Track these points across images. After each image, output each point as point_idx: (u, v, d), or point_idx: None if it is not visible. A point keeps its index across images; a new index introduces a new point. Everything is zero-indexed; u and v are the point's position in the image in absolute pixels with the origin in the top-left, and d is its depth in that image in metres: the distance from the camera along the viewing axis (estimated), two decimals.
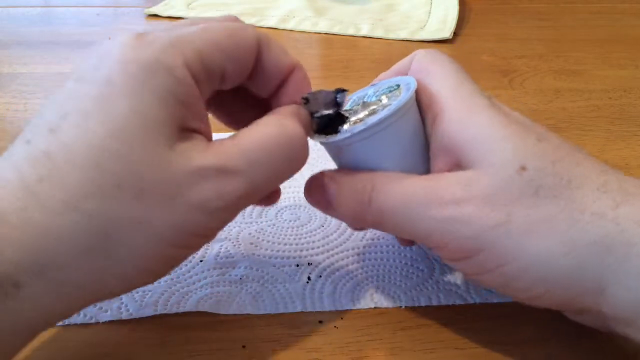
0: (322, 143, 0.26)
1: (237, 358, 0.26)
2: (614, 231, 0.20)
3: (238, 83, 0.24)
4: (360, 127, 0.24)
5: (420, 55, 0.27)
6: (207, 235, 0.22)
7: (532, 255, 0.21)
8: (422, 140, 0.26)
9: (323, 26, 0.67)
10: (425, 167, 0.25)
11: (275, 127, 0.23)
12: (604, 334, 0.26)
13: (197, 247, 0.23)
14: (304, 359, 0.26)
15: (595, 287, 0.21)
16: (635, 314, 0.21)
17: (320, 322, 0.27)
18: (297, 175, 0.37)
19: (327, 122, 0.25)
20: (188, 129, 0.21)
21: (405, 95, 0.24)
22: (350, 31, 0.64)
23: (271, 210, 0.35)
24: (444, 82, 0.25)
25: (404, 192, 0.23)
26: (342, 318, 0.28)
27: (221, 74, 0.22)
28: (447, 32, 0.63)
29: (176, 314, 0.27)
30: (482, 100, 0.24)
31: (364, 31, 0.64)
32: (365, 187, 0.24)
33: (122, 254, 0.19)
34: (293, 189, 0.37)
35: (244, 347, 0.26)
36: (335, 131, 0.25)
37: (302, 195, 0.36)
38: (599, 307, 0.21)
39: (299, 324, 0.27)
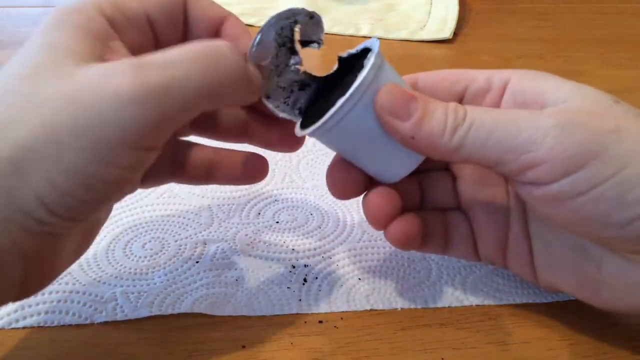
0: (314, 134, 0.24)
1: (237, 358, 0.26)
2: None
3: (175, 37, 0.25)
4: (344, 97, 0.22)
5: (433, 74, 0.27)
6: (133, 143, 0.19)
7: None
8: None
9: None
10: None
11: (204, 41, 0.22)
12: (604, 334, 0.26)
13: (130, 166, 0.20)
14: (304, 359, 0.26)
15: None
16: None
17: (320, 322, 0.27)
18: (294, 176, 0.38)
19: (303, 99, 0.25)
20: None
21: (374, 50, 0.23)
22: (350, 31, 0.64)
23: (268, 211, 0.35)
24: (493, 70, 0.25)
25: (504, 110, 0.23)
26: (342, 318, 0.28)
27: (146, 21, 0.23)
28: (447, 32, 0.63)
29: (176, 314, 0.27)
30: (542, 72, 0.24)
31: (364, 31, 0.64)
32: (458, 107, 0.22)
33: (33, 168, 0.18)
34: (291, 190, 0.37)
35: (244, 347, 0.26)
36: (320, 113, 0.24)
37: (299, 196, 0.36)
38: None
39: (299, 324, 0.27)
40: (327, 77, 0.26)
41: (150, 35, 0.24)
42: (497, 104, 0.25)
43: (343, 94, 0.22)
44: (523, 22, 0.68)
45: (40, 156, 0.18)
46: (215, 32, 0.25)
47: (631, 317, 0.27)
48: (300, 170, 0.39)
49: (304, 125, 0.25)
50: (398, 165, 0.25)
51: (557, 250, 0.25)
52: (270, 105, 0.25)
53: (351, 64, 0.24)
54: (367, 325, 0.27)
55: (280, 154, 0.40)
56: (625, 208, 0.20)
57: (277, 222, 0.34)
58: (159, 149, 0.21)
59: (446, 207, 0.29)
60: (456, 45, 0.62)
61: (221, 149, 0.27)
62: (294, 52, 0.25)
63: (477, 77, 0.26)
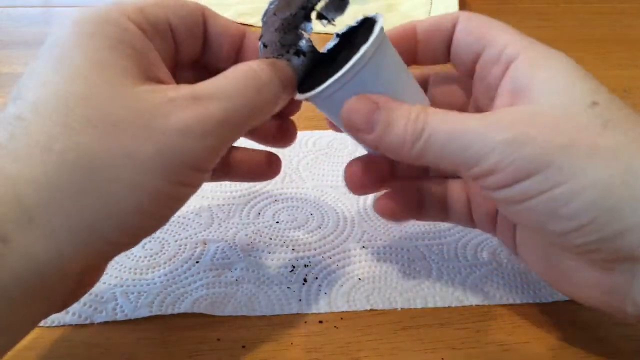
0: (312, 98, 0.25)
1: (237, 358, 0.26)
2: None
3: (195, 49, 0.25)
4: (349, 63, 0.23)
5: (467, 17, 0.27)
6: (199, 167, 0.22)
7: (592, 178, 0.21)
8: (411, 78, 0.26)
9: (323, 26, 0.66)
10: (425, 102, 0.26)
11: (241, 66, 0.23)
12: (604, 334, 0.26)
13: (194, 184, 0.23)
14: (304, 359, 0.26)
15: None
16: None
17: (320, 322, 0.27)
18: (294, 176, 0.38)
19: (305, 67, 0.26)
20: (152, 78, 0.22)
21: (376, 29, 0.23)
22: None
23: (268, 211, 0.35)
24: (517, 35, 0.25)
25: (461, 119, 0.23)
26: (342, 318, 0.28)
27: (169, 28, 0.24)
28: None
29: (176, 314, 0.27)
30: (557, 52, 0.24)
31: None
32: (419, 116, 0.23)
33: (113, 191, 0.19)
34: (291, 190, 0.37)
35: (244, 347, 0.26)
36: (317, 81, 0.24)
37: (299, 196, 0.36)
38: (638, 250, 0.21)
39: (299, 324, 0.27)
40: (326, 52, 0.26)
41: (172, 44, 0.24)
42: (499, 78, 0.25)
43: (343, 64, 0.23)
44: (523, 22, 0.67)
45: (121, 181, 0.19)
46: (237, 47, 0.26)
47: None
48: (300, 170, 0.39)
49: (302, 91, 0.25)
50: None
51: (531, 234, 0.26)
52: (262, 53, 0.25)
53: (350, 40, 0.25)
54: (367, 325, 0.27)
55: (280, 154, 0.40)
56: (559, 221, 0.22)
57: (277, 222, 0.34)
58: (212, 169, 0.23)
59: (447, 175, 0.30)
60: None
61: (241, 147, 0.29)
62: (308, 19, 0.25)
63: (495, 42, 0.25)
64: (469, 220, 0.29)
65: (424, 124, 0.23)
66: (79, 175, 0.19)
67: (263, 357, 0.26)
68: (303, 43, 0.25)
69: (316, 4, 0.25)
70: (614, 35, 0.64)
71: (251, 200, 0.36)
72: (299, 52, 0.25)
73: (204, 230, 0.33)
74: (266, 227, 0.34)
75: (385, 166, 0.28)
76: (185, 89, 0.21)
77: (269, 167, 0.30)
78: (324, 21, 0.26)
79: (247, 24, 0.66)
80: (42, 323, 0.26)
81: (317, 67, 0.26)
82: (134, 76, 0.21)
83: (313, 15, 0.25)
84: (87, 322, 0.27)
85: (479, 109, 0.27)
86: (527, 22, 0.68)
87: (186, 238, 0.32)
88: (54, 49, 0.21)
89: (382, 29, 0.24)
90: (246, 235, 0.33)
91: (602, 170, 0.21)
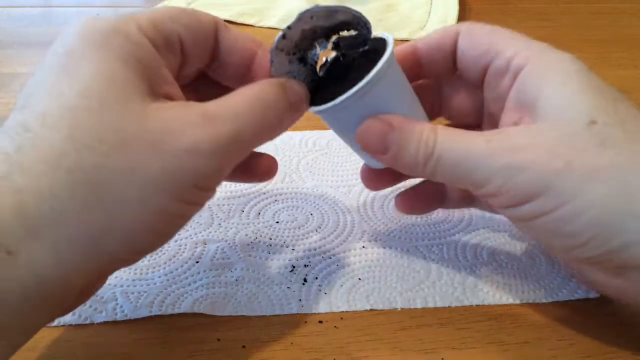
0: (324, 111, 0.25)
1: (237, 358, 0.26)
2: None
3: (203, 62, 0.25)
4: (359, 84, 0.23)
5: (468, 30, 0.27)
6: (204, 186, 0.22)
7: (590, 198, 0.21)
8: (415, 95, 0.26)
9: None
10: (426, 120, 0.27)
11: (252, 86, 0.23)
12: (604, 334, 0.26)
13: (199, 202, 0.23)
14: (304, 359, 0.26)
15: None
16: None
17: (320, 322, 0.27)
18: (294, 176, 0.38)
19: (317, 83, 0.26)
20: (161, 94, 0.22)
21: (389, 47, 0.24)
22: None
23: (268, 211, 0.35)
24: (524, 42, 0.25)
25: (468, 142, 0.23)
26: (342, 318, 0.28)
27: (180, 43, 0.23)
28: None
29: (176, 314, 0.27)
30: (566, 57, 0.24)
31: None
32: (429, 137, 0.24)
33: (118, 208, 0.19)
34: (291, 190, 0.37)
35: (244, 347, 0.26)
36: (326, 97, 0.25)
37: (300, 196, 0.36)
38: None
39: (299, 324, 0.27)
40: (329, 68, 0.26)
41: (179, 57, 0.24)
42: (509, 88, 0.25)
43: (352, 80, 0.24)
44: (523, 22, 0.68)
45: (127, 198, 0.19)
46: (247, 63, 0.26)
47: (632, 317, 0.27)
48: (301, 170, 0.39)
49: (313, 103, 0.26)
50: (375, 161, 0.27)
51: None
52: (275, 48, 0.24)
53: (349, 59, 0.26)
54: (367, 325, 0.27)
55: (281, 154, 0.40)
56: (564, 239, 0.23)
57: (277, 222, 0.34)
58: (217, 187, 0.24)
59: None
60: None
61: None
62: (328, 38, 0.26)
63: (502, 52, 0.25)
64: (489, 206, 0.29)
65: (434, 145, 0.24)
66: (85, 190, 0.19)
67: (263, 357, 0.26)
68: (312, 54, 0.26)
69: (345, 30, 0.26)
70: (614, 35, 0.64)
71: (251, 200, 0.36)
72: (304, 60, 0.26)
73: (204, 230, 0.33)
74: (266, 227, 0.34)
75: None
76: (196, 108, 0.21)
77: (265, 169, 0.29)
78: (334, 51, 0.26)
79: (247, 24, 0.66)
80: None
81: (321, 83, 0.26)
82: (144, 92, 0.21)
83: (332, 39, 0.26)
84: (87, 322, 0.27)
85: (491, 117, 0.28)
86: (527, 22, 0.68)
87: (186, 238, 0.32)
88: (63, 58, 0.20)
89: (392, 52, 0.24)
90: (246, 235, 0.33)
91: (600, 190, 0.21)
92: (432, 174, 0.24)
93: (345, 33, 0.26)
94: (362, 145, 0.25)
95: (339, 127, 0.27)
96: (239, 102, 0.22)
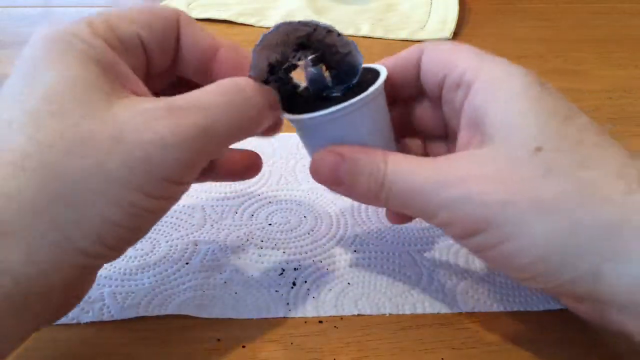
0: (296, 121, 0.25)
1: (237, 358, 0.26)
2: (619, 217, 0.20)
3: (166, 62, 0.25)
4: (350, 101, 0.23)
5: (432, 47, 0.27)
6: (173, 179, 0.21)
7: (536, 232, 0.21)
8: (390, 124, 0.26)
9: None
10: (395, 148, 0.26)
11: (226, 81, 0.23)
12: (604, 335, 0.26)
13: (172, 196, 0.23)
14: (304, 359, 0.26)
15: (594, 269, 0.20)
16: (630, 299, 0.21)
17: (320, 322, 0.27)
18: (290, 178, 0.38)
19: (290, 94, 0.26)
20: (127, 93, 0.22)
21: (382, 75, 0.25)
22: (350, 31, 0.64)
23: (262, 212, 0.35)
24: (476, 57, 0.25)
25: (415, 173, 0.23)
26: (342, 318, 0.28)
27: (140, 44, 0.24)
28: (447, 32, 0.63)
29: (176, 314, 0.27)
30: (514, 70, 0.24)
31: (364, 31, 0.64)
32: (379, 168, 0.24)
33: (84, 203, 0.19)
34: (286, 191, 0.37)
35: (244, 347, 0.26)
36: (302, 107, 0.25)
37: (294, 199, 0.35)
38: (595, 292, 0.21)
39: (299, 324, 0.27)
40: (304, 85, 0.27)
41: (143, 58, 0.24)
42: (462, 105, 0.25)
43: (331, 101, 0.24)
44: (523, 22, 0.67)
45: (93, 193, 0.20)
46: (208, 60, 0.25)
47: None
48: (297, 172, 0.38)
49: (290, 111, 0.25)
50: None
51: None
52: (257, 47, 0.24)
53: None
54: (367, 325, 0.27)
55: (278, 155, 0.40)
56: (515, 271, 0.23)
57: (270, 224, 0.34)
58: (192, 181, 0.23)
59: None
60: None
61: None
62: (309, 51, 0.25)
63: (455, 67, 0.25)
64: None
65: (384, 176, 0.24)
66: (50, 188, 0.19)
67: (263, 357, 0.26)
68: (292, 63, 0.25)
69: (321, 48, 0.25)
70: (614, 35, 0.64)
71: (245, 201, 0.35)
72: (275, 70, 0.25)
73: (196, 232, 0.33)
74: (258, 229, 0.33)
75: None
76: (162, 102, 0.21)
77: (250, 166, 0.29)
78: (327, 72, 0.26)
79: (247, 24, 0.66)
80: None
81: (298, 96, 0.26)
82: (106, 91, 0.21)
83: (309, 53, 0.25)
84: (74, 322, 0.27)
85: (453, 132, 0.27)
86: (527, 22, 0.68)
87: (177, 239, 0.32)
88: (25, 67, 0.21)
89: (382, 84, 0.25)
90: (238, 237, 0.33)
91: (545, 225, 0.21)
92: (387, 204, 0.24)
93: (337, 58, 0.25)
94: (316, 179, 0.25)
95: (310, 141, 0.27)
96: (210, 94, 0.22)
